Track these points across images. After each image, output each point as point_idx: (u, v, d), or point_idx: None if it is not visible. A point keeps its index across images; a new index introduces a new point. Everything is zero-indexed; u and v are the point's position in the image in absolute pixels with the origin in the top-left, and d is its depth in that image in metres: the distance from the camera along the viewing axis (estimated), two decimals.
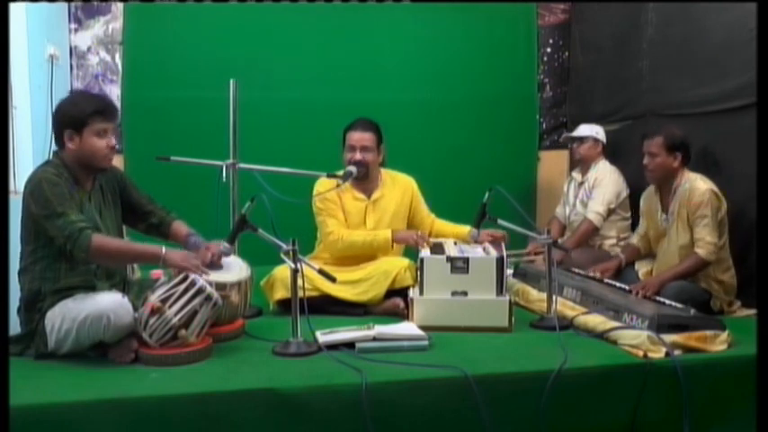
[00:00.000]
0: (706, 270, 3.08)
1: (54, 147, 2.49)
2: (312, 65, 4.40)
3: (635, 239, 3.51)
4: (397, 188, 3.36)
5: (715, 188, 3.07)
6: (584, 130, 4.07)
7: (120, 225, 2.66)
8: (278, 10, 4.33)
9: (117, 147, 2.51)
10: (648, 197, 3.40)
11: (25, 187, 2.36)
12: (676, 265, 3.07)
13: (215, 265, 2.55)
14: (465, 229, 3.25)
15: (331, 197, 3.22)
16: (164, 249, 2.39)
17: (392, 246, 3.20)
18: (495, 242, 3.07)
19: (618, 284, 3.10)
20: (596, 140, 4.03)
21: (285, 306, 2.81)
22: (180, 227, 2.70)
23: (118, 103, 4.20)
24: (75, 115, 2.37)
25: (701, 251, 3.01)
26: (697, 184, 3.08)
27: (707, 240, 3.01)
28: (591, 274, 3.30)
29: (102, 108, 2.41)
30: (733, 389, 2.36)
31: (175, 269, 2.42)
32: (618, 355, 2.41)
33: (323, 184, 3.24)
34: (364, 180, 3.25)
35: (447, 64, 4.59)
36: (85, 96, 2.52)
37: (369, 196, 3.30)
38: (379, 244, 3.18)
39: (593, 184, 3.93)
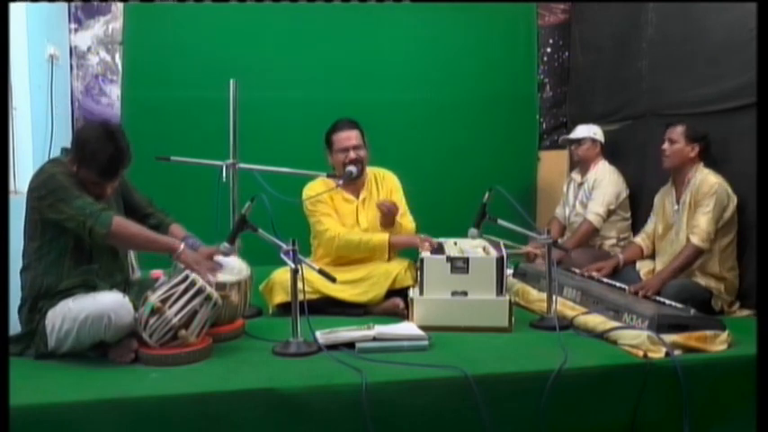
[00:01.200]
0: (707, 266, 3.09)
1: (55, 146, 2.50)
2: (312, 65, 4.40)
3: (639, 238, 3.52)
4: (382, 184, 3.36)
5: (726, 185, 3.09)
6: (582, 131, 4.07)
7: None
8: (278, 10, 4.33)
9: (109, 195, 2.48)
10: (664, 191, 3.43)
11: (34, 179, 2.36)
12: (673, 261, 3.08)
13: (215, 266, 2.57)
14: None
15: (323, 199, 3.22)
16: (182, 246, 2.43)
17: (389, 252, 3.18)
18: (387, 212, 3.11)
19: (618, 284, 3.11)
20: (594, 141, 4.02)
21: (285, 310, 2.81)
22: (177, 229, 2.71)
23: (118, 103, 4.21)
24: (85, 155, 2.35)
25: (694, 238, 3.03)
26: (708, 177, 3.13)
27: (701, 227, 3.03)
28: (586, 273, 3.31)
29: (108, 175, 2.38)
30: (733, 389, 2.36)
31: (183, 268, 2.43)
32: (618, 355, 2.41)
33: (312, 188, 3.23)
34: (356, 179, 3.25)
35: (447, 64, 4.59)
36: (108, 150, 2.34)
37: (357, 196, 3.31)
38: (375, 246, 3.17)
39: (593, 185, 3.92)
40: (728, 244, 3.13)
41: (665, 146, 3.27)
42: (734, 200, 3.09)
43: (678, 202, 3.26)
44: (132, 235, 2.39)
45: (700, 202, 3.09)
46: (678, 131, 3.23)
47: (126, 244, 2.49)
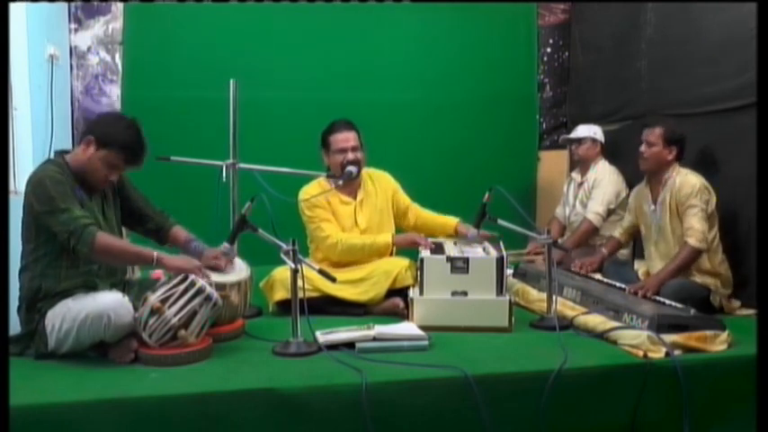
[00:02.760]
0: (701, 264, 3.09)
1: (56, 146, 2.49)
2: (312, 65, 4.40)
3: (617, 233, 3.56)
4: (378, 184, 3.37)
5: (705, 182, 3.11)
6: (582, 131, 4.07)
7: (121, 224, 2.66)
8: (278, 10, 4.33)
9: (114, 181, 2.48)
10: (638, 191, 3.44)
11: (27, 184, 2.36)
12: (671, 261, 3.09)
13: (221, 268, 2.56)
14: (450, 220, 3.27)
15: (320, 203, 3.21)
16: (155, 253, 2.37)
17: (392, 251, 3.20)
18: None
19: (618, 284, 3.11)
20: (594, 141, 4.03)
21: (285, 307, 2.81)
22: (179, 232, 2.70)
23: (118, 104, 4.21)
24: (109, 134, 2.37)
25: (691, 239, 3.03)
26: (687, 178, 3.14)
27: (696, 228, 3.03)
28: (573, 269, 3.35)
29: (132, 150, 2.39)
30: (733, 389, 2.36)
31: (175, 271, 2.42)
32: (618, 355, 2.41)
33: (308, 192, 3.23)
34: (353, 181, 3.24)
35: (447, 64, 4.59)
36: (133, 132, 2.41)
37: (354, 197, 3.31)
38: (379, 248, 3.18)
39: (593, 185, 3.93)
40: (713, 238, 3.13)
41: (643, 148, 3.25)
42: (713, 195, 3.11)
43: (655, 203, 3.26)
44: (116, 249, 2.36)
45: (685, 204, 3.09)
46: (656, 134, 3.21)
47: (110, 259, 2.44)
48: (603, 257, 3.49)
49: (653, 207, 3.28)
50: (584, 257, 3.62)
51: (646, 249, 3.41)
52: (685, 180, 3.13)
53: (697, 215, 3.05)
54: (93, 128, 2.42)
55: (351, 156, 3.19)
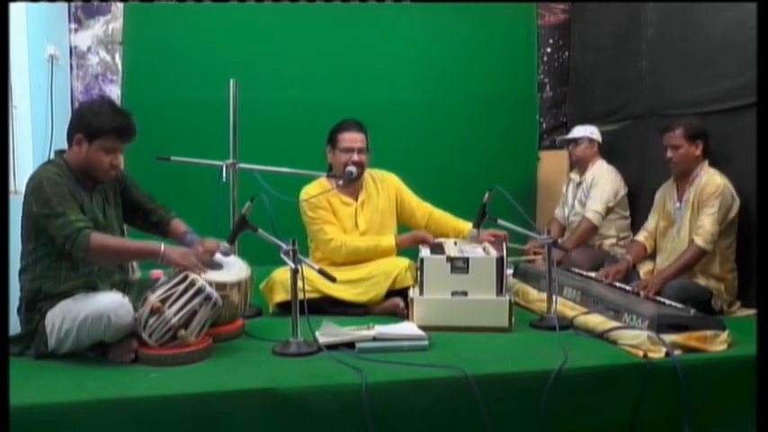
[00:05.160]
0: (708, 267, 3.08)
1: (55, 146, 2.49)
2: (312, 65, 4.40)
3: (641, 237, 3.49)
4: (381, 186, 3.36)
5: (731, 187, 3.08)
6: (578, 131, 4.08)
7: (122, 223, 2.67)
8: (278, 10, 4.33)
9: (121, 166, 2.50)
10: (665, 188, 3.41)
11: (26, 186, 2.36)
12: (676, 260, 3.08)
13: (212, 263, 2.55)
14: (465, 225, 3.24)
15: (321, 203, 3.21)
16: (163, 246, 2.38)
17: (396, 252, 3.21)
18: (496, 241, 3.08)
19: (618, 284, 3.10)
20: (591, 141, 4.03)
21: (285, 309, 2.81)
22: (178, 225, 2.71)
23: (118, 103, 4.20)
24: (92, 124, 2.37)
25: (698, 239, 3.02)
26: (714, 178, 3.11)
27: (706, 229, 3.02)
28: (599, 278, 3.25)
29: (122, 129, 2.40)
30: (733, 389, 2.36)
31: (175, 268, 2.42)
32: (618, 355, 2.41)
33: (309, 193, 3.23)
34: (354, 181, 3.24)
35: (447, 64, 4.59)
36: (110, 110, 2.42)
37: (356, 199, 3.30)
38: (383, 250, 3.18)
39: (591, 184, 3.93)
40: (729, 245, 3.13)
41: (669, 154, 3.20)
42: (737, 202, 3.08)
43: (681, 201, 3.25)
44: (112, 250, 2.36)
45: (704, 203, 3.07)
46: (678, 135, 3.17)
47: (109, 260, 2.45)
48: (629, 265, 3.38)
49: (678, 205, 3.26)
50: (582, 257, 3.62)
51: (661, 246, 3.38)
52: (711, 179, 3.10)
53: (711, 216, 3.02)
54: (77, 125, 2.41)
55: (356, 157, 3.19)
